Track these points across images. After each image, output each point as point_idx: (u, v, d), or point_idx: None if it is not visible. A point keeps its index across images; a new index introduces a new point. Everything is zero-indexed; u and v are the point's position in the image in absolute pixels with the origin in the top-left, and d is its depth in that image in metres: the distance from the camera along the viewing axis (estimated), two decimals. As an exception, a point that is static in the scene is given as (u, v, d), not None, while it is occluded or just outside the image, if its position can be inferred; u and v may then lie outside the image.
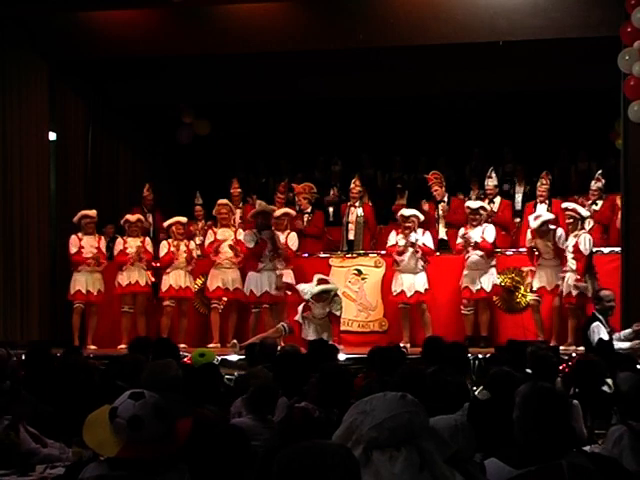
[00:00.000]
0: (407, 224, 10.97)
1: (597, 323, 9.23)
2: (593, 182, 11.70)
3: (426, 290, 10.92)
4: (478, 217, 10.99)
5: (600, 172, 11.82)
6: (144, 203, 12.89)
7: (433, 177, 12.27)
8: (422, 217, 11.16)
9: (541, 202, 11.65)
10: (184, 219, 11.82)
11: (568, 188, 13.34)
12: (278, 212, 11.59)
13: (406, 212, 11.18)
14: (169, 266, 11.46)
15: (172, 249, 11.47)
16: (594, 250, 10.54)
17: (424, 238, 10.99)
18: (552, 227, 10.54)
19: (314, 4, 11.57)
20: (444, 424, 3.73)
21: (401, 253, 10.85)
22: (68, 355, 7.89)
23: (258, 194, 13.58)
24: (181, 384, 4.98)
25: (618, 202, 11.24)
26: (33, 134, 12.18)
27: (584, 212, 10.68)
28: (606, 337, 9.02)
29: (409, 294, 10.88)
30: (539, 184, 11.72)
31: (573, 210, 10.53)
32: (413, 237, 10.88)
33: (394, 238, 11.07)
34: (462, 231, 11.03)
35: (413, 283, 10.88)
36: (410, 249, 10.80)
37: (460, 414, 4.57)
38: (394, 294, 11.02)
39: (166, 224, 11.79)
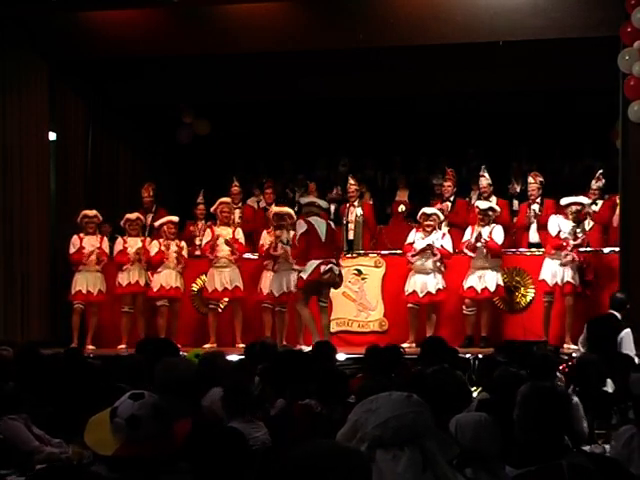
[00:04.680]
0: (428, 222, 10.99)
1: (629, 331, 8.81)
2: (593, 181, 11.68)
3: (438, 291, 10.91)
4: (487, 218, 10.99)
5: (601, 172, 11.82)
6: (143, 203, 12.85)
7: (451, 174, 12.29)
8: (442, 216, 11.22)
9: (532, 202, 11.66)
10: (176, 218, 11.80)
11: (565, 187, 13.31)
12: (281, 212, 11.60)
13: (428, 210, 11.19)
14: (160, 266, 11.46)
15: (162, 248, 11.47)
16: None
17: (443, 241, 11.00)
18: None
19: (314, 4, 11.57)
20: (469, 420, 3.75)
21: (415, 255, 10.87)
22: (68, 356, 7.88)
23: (253, 194, 13.64)
24: (193, 382, 4.95)
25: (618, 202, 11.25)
26: (33, 134, 12.18)
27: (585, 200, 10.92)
28: (633, 350, 8.60)
29: (421, 295, 10.89)
30: (528, 184, 11.77)
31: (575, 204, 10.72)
32: (432, 238, 10.89)
33: (413, 236, 11.07)
34: (470, 230, 11.04)
35: (425, 283, 10.89)
36: (427, 251, 10.83)
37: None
38: (406, 293, 11.01)
39: (157, 223, 11.78)
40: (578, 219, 10.77)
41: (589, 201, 11.17)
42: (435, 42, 11.14)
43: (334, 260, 10.31)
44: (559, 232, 10.61)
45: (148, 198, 12.76)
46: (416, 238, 11.01)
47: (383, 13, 11.17)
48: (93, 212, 11.76)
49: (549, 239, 10.79)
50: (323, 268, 10.16)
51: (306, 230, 10.30)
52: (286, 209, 11.52)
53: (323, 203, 11.13)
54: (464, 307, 11.05)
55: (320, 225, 10.38)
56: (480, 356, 9.26)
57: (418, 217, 11.26)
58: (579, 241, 10.60)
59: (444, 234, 11.12)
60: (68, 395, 6.10)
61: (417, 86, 13.08)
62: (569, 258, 10.51)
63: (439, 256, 10.84)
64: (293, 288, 10.76)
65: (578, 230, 10.66)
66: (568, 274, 10.55)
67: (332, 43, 11.39)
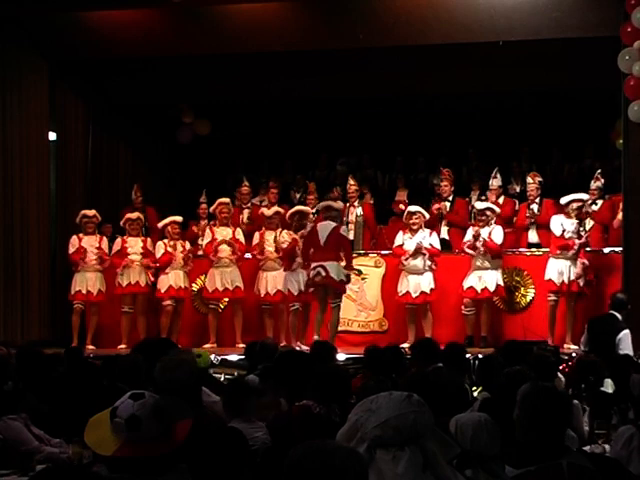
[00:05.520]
0: (413, 221, 10.96)
1: (627, 332, 8.85)
2: (592, 181, 11.73)
3: (431, 290, 10.92)
4: (485, 218, 10.96)
5: (599, 171, 11.83)
6: (133, 204, 12.78)
7: (447, 174, 12.29)
8: (427, 215, 11.19)
9: (531, 202, 11.65)
10: (179, 218, 11.77)
11: (565, 187, 13.30)
12: (269, 212, 11.59)
13: (412, 209, 11.17)
14: (167, 266, 11.46)
15: (169, 249, 11.47)
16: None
17: (431, 239, 10.99)
18: None
19: (314, 4, 11.57)
20: (469, 420, 3.75)
21: (408, 258, 10.86)
22: (69, 356, 7.88)
23: (259, 193, 13.63)
24: (194, 383, 4.94)
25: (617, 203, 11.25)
26: (33, 134, 12.17)
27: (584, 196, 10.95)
28: (631, 352, 8.63)
29: (414, 295, 10.88)
30: (527, 184, 11.76)
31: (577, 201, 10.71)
32: (419, 238, 10.87)
33: (401, 238, 11.04)
34: (472, 230, 11.02)
35: (419, 283, 10.88)
36: (418, 252, 10.83)
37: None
38: (400, 294, 11.01)
39: (161, 224, 11.75)
40: (580, 217, 10.76)
41: (588, 197, 11.15)
42: (435, 42, 11.14)
43: (326, 263, 10.33)
44: (563, 232, 10.56)
45: (139, 198, 12.75)
46: (404, 239, 11.00)
47: (383, 13, 11.18)
48: (92, 212, 11.74)
49: (553, 239, 10.71)
50: (312, 273, 10.42)
51: (308, 233, 10.65)
52: (307, 208, 11.52)
53: (338, 205, 11.20)
54: (463, 307, 11.04)
55: (324, 229, 10.42)
56: (480, 356, 9.27)
57: (403, 218, 11.24)
58: (584, 239, 10.59)
59: (431, 232, 11.10)
60: (68, 395, 6.10)
61: (417, 86, 13.08)
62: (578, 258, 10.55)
63: (428, 255, 10.84)
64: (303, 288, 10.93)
65: (581, 228, 10.66)
66: (574, 273, 10.53)
67: (332, 43, 11.40)
